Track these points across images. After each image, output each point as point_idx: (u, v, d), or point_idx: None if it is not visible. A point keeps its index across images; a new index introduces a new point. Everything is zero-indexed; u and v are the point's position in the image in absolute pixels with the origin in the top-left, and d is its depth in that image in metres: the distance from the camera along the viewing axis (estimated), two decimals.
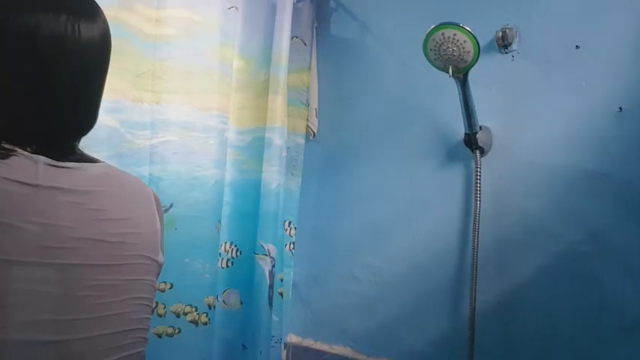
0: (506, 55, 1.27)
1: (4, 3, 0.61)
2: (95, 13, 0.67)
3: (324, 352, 1.44)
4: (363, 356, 1.39)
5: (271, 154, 1.36)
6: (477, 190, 1.22)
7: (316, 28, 1.55)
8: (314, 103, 1.53)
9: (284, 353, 1.46)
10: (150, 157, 1.18)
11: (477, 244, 1.20)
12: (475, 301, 1.19)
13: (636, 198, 1.09)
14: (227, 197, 1.33)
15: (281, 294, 1.42)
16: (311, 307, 1.51)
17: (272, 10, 1.40)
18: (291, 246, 1.49)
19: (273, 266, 1.36)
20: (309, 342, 1.48)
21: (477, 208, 1.22)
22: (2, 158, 0.58)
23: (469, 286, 1.21)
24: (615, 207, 1.11)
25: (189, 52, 1.25)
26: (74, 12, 0.64)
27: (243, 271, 1.36)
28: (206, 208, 1.27)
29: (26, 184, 0.59)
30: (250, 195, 1.37)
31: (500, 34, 1.25)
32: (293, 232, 1.49)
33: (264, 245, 1.35)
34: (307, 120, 1.52)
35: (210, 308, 1.28)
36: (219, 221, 1.30)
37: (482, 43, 1.08)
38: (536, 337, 1.17)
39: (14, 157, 0.59)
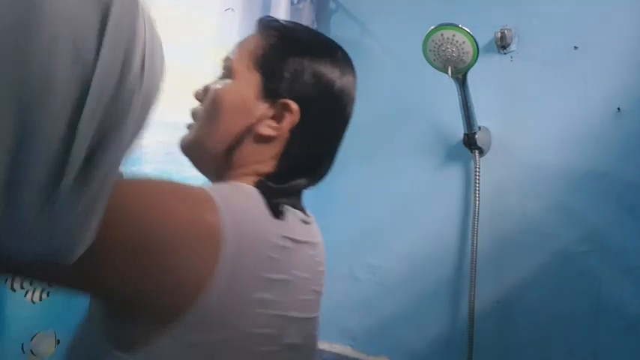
0: (505, 55, 1.27)
1: (329, 70, 0.65)
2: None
3: (324, 351, 1.45)
4: (363, 355, 1.40)
5: None
6: (475, 189, 1.23)
7: (316, 28, 1.56)
8: None
9: None
10: (142, 157, 1.18)
11: (476, 244, 1.21)
12: (474, 300, 1.20)
13: (635, 198, 1.10)
14: None
15: None
16: None
17: (268, 12, 1.41)
18: None
19: None
20: None
21: (475, 208, 1.22)
22: (281, 216, 0.59)
23: (468, 286, 1.21)
24: (614, 207, 1.12)
25: (185, 54, 1.25)
26: (355, 77, 0.69)
27: None
28: None
29: (296, 240, 0.60)
30: None
31: (499, 34, 1.25)
32: None
33: None
34: None
35: None
36: None
37: (481, 44, 1.09)
38: (534, 335, 1.17)
39: (287, 213, 0.60)
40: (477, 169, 1.23)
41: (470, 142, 1.24)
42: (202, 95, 0.67)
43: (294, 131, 0.63)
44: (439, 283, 1.31)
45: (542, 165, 1.20)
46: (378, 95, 1.47)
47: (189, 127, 0.68)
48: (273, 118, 0.62)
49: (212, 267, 0.50)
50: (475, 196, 1.23)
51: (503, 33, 1.25)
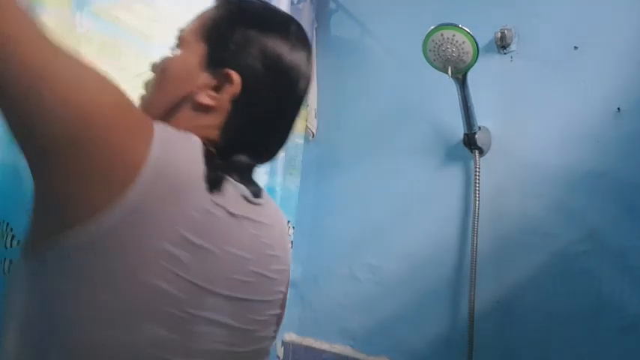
0: (505, 55, 1.27)
1: (278, 44, 0.64)
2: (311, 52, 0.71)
3: (323, 351, 1.45)
4: (363, 355, 1.40)
5: None
6: (475, 189, 1.23)
7: (316, 29, 1.56)
8: (313, 104, 1.54)
9: (281, 351, 1.46)
10: None
11: (476, 244, 1.21)
12: (474, 300, 1.20)
13: (634, 197, 1.10)
14: None
15: None
16: (311, 306, 1.51)
17: None
18: (290, 245, 1.49)
19: None
20: (309, 341, 1.49)
21: (475, 208, 1.22)
22: (218, 186, 0.57)
23: (468, 286, 1.21)
24: (613, 207, 1.12)
25: None
26: (310, 53, 0.69)
27: None
28: None
29: (230, 213, 0.58)
30: None
31: (499, 34, 1.26)
32: (292, 231, 1.50)
33: None
34: (306, 121, 1.53)
35: None
36: None
37: (481, 44, 1.09)
38: (534, 336, 1.17)
39: (226, 184, 0.59)
40: (477, 169, 1.23)
41: (470, 142, 1.24)
42: (157, 67, 0.67)
43: (236, 103, 0.62)
44: (439, 283, 1.31)
45: (542, 165, 1.20)
46: (378, 95, 1.47)
47: (141, 98, 0.67)
48: (214, 88, 0.62)
49: (132, 176, 0.49)
50: (475, 196, 1.23)
51: (503, 33, 1.25)
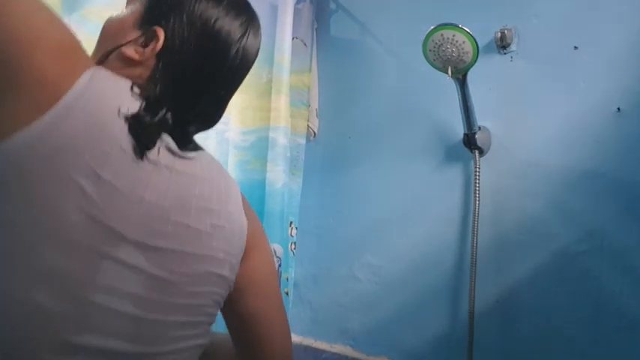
0: (505, 55, 1.27)
1: (208, 8, 0.67)
2: (259, 27, 0.74)
3: (323, 351, 1.45)
4: (363, 355, 1.40)
5: (276, 153, 1.37)
6: (475, 189, 1.23)
7: (316, 29, 1.56)
8: (314, 104, 1.54)
9: None
10: None
11: (476, 244, 1.21)
12: (474, 299, 1.20)
13: (634, 198, 1.10)
14: None
15: (287, 293, 1.43)
16: (311, 306, 1.51)
17: (273, 12, 1.41)
18: (293, 246, 1.50)
19: (279, 266, 1.37)
20: (309, 341, 1.49)
21: (475, 208, 1.22)
22: (139, 129, 0.58)
23: (468, 285, 1.21)
24: (613, 207, 1.12)
25: None
26: (253, 23, 0.72)
27: None
28: None
29: (149, 159, 0.59)
30: (255, 195, 1.37)
31: (499, 34, 1.26)
32: (294, 231, 1.50)
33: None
34: (308, 120, 1.53)
35: None
36: None
37: (481, 44, 1.09)
38: (534, 335, 1.17)
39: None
40: (477, 169, 1.23)
41: (470, 142, 1.24)
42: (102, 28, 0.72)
43: (160, 59, 0.65)
44: (439, 283, 1.31)
45: (542, 165, 1.20)
46: (379, 95, 1.47)
47: None
48: (141, 44, 0.65)
49: (51, 99, 0.51)
50: (475, 196, 1.23)
51: (503, 33, 1.25)
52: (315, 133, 1.55)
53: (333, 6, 1.58)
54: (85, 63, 0.57)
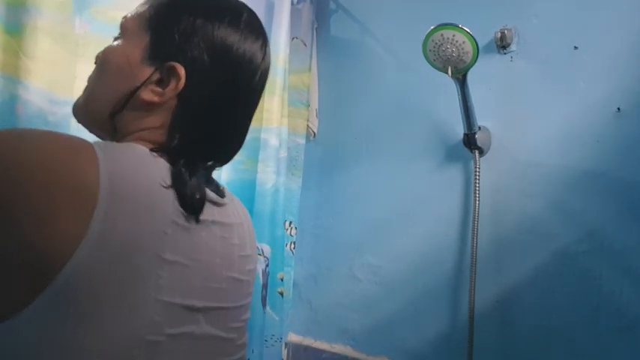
0: (505, 55, 1.27)
1: (226, 34, 0.60)
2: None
3: (323, 351, 1.45)
4: (363, 355, 1.40)
5: (267, 154, 1.37)
6: (475, 189, 1.23)
7: (316, 29, 1.56)
8: (314, 104, 1.54)
9: (284, 352, 1.46)
10: None
11: (476, 244, 1.21)
12: (474, 299, 1.20)
13: (634, 198, 1.10)
14: None
15: (281, 293, 1.42)
16: (311, 306, 1.51)
17: (270, 11, 1.41)
18: (292, 245, 1.50)
19: (267, 265, 1.37)
20: (309, 341, 1.49)
21: (475, 208, 1.22)
22: (193, 204, 0.53)
23: (468, 285, 1.21)
24: (613, 207, 1.12)
25: None
26: (267, 42, 0.66)
27: None
28: None
29: (199, 220, 0.54)
30: (245, 195, 1.37)
31: (499, 34, 1.25)
32: (294, 231, 1.50)
33: (257, 245, 1.36)
34: (307, 120, 1.53)
35: None
36: None
37: (481, 44, 1.09)
38: (534, 335, 1.17)
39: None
40: (477, 169, 1.23)
41: (470, 142, 1.24)
42: (98, 58, 0.62)
43: (182, 98, 0.57)
44: (439, 283, 1.31)
45: (542, 165, 1.20)
46: (379, 95, 1.47)
47: (83, 90, 0.63)
48: (158, 82, 0.57)
49: (84, 226, 0.44)
50: (475, 196, 1.23)
51: (503, 33, 1.25)
52: (314, 133, 1.55)
53: (333, 6, 1.58)
54: (90, 152, 0.49)
